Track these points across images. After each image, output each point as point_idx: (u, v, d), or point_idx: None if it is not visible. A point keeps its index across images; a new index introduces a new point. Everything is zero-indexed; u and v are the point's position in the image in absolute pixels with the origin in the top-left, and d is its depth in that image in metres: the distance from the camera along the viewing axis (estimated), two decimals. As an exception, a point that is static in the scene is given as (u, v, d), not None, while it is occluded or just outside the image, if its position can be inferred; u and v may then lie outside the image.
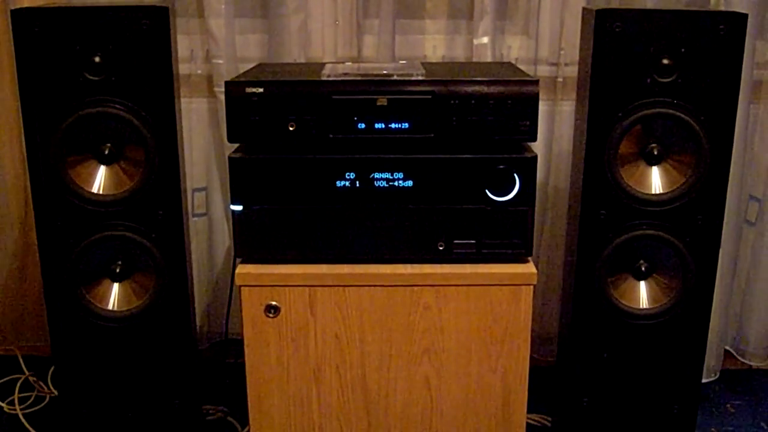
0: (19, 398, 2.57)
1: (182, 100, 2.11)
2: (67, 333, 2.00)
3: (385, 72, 1.95)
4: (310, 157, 1.82)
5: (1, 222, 2.68)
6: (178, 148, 1.92)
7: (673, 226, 1.93)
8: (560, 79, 2.49)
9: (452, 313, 1.85)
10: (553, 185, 2.56)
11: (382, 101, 1.80)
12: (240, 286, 1.83)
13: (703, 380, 2.55)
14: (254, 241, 1.85)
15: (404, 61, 2.42)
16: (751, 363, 2.78)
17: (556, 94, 2.50)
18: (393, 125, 1.81)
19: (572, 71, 2.37)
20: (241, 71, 2.15)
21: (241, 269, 1.84)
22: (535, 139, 1.82)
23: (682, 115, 1.86)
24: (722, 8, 2.33)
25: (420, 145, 1.82)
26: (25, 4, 1.94)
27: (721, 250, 1.99)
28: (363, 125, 1.81)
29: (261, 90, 1.79)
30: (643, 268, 1.97)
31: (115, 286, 1.98)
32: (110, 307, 1.98)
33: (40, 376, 2.65)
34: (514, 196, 1.82)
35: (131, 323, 1.98)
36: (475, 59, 2.46)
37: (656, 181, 1.92)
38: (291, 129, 1.80)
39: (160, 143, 1.88)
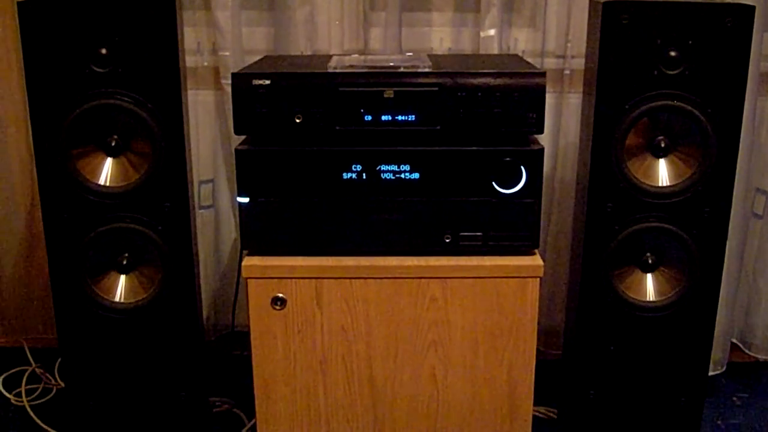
0: (26, 390, 2.58)
1: (189, 92, 2.11)
2: (74, 325, 2.00)
3: (391, 64, 1.95)
4: (317, 149, 1.82)
5: (8, 214, 2.69)
6: (184, 140, 1.93)
7: (680, 218, 1.92)
8: (567, 72, 2.48)
9: (458, 306, 1.85)
10: (560, 177, 2.56)
11: (389, 93, 1.80)
12: (246, 278, 1.83)
13: (710, 373, 2.55)
14: (261, 233, 1.86)
15: (411, 54, 2.42)
16: (758, 356, 2.77)
17: (563, 87, 2.49)
18: (400, 117, 1.80)
19: (579, 63, 2.36)
20: (248, 63, 2.15)
21: (248, 261, 1.85)
22: (541, 132, 1.82)
23: (690, 108, 1.86)
24: (729, 0, 2.32)
25: (426, 137, 1.82)
26: (32, -4, 1.94)
27: (727, 243, 1.99)
28: (370, 117, 1.81)
29: (268, 82, 1.79)
30: (649, 261, 1.97)
31: (122, 278, 1.98)
32: (117, 299, 1.98)
33: (47, 368, 2.66)
34: (521, 189, 1.82)
35: (138, 315, 1.99)
36: (481, 51, 2.45)
37: (663, 173, 1.92)
38: (298, 121, 1.80)
39: (167, 135, 1.88)
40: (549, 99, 2.06)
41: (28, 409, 2.49)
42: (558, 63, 2.49)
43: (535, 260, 1.85)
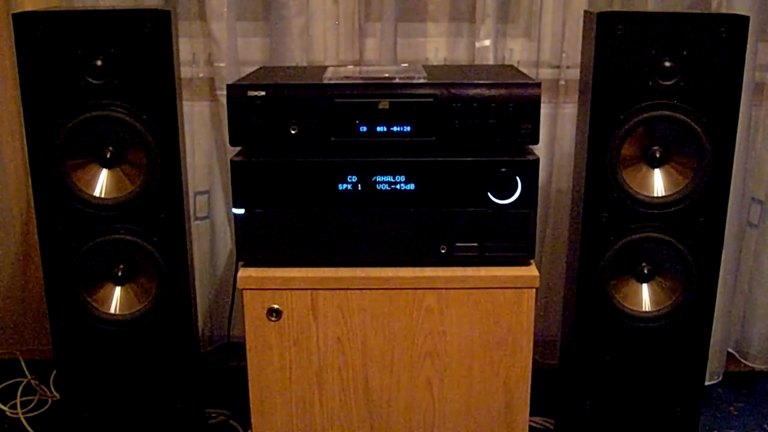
0: (21, 402, 2.57)
1: (184, 103, 2.11)
2: (69, 336, 2.00)
3: (386, 75, 1.95)
4: (312, 161, 1.82)
5: (3, 226, 2.68)
6: (180, 152, 1.92)
7: (676, 228, 1.93)
8: (562, 82, 2.48)
9: (454, 316, 1.85)
10: (556, 188, 2.56)
11: (384, 104, 1.80)
12: (242, 289, 1.83)
13: (706, 383, 2.55)
14: (256, 244, 1.85)
15: (406, 64, 2.42)
16: (754, 365, 2.78)
17: (558, 97, 2.50)
18: (395, 128, 1.80)
19: (574, 74, 2.37)
20: (243, 74, 2.15)
21: (243, 273, 1.84)
22: (537, 142, 1.82)
23: (684, 118, 1.86)
24: (724, 10, 2.33)
25: (422, 148, 1.82)
26: (27, 8, 1.94)
27: (723, 253, 1.99)
28: (365, 128, 1.81)
29: (263, 93, 1.79)
30: (645, 271, 1.97)
31: (117, 289, 1.98)
32: (112, 310, 1.98)
33: (42, 380, 2.65)
34: (516, 199, 1.82)
35: (133, 327, 1.98)
36: (477, 62, 2.46)
37: (658, 183, 1.92)
38: (293, 132, 1.80)
39: (162, 146, 1.88)
40: (544, 109, 2.07)
41: (24, 422, 2.48)
42: (553, 73, 2.49)
43: (531, 271, 1.85)
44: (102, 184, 1.90)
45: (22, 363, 2.71)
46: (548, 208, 2.57)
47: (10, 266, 2.73)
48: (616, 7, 2.43)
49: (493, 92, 1.79)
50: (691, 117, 1.86)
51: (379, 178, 1.82)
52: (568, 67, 2.47)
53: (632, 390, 2.07)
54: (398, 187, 1.82)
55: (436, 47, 2.55)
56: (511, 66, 2.42)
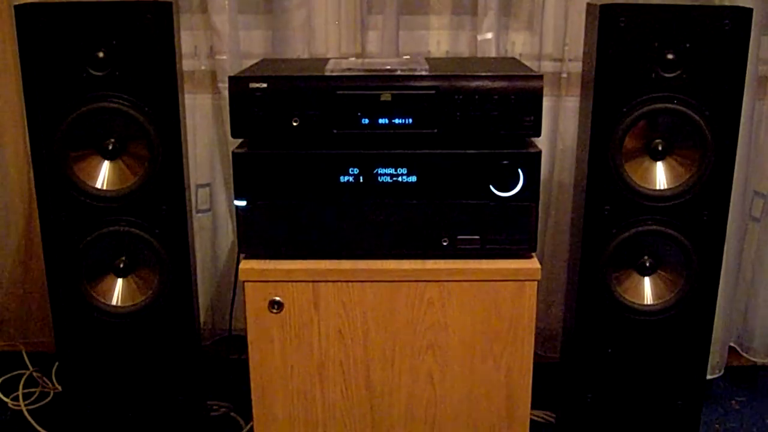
0: (23, 394, 2.58)
1: (186, 95, 2.11)
2: (71, 329, 2.00)
3: (388, 67, 1.95)
4: (314, 153, 1.82)
5: (5, 218, 2.68)
6: (181, 144, 1.92)
7: (678, 221, 1.92)
8: (564, 75, 2.48)
9: (456, 309, 1.85)
10: (558, 180, 2.55)
11: (386, 96, 1.80)
12: (243, 281, 1.83)
13: (708, 376, 2.54)
14: (258, 236, 1.85)
15: (408, 57, 2.42)
16: (756, 359, 2.77)
17: (560, 90, 2.49)
18: (397, 120, 1.80)
19: (576, 67, 2.36)
20: (245, 67, 2.15)
21: (245, 265, 1.84)
22: (539, 135, 1.82)
23: (687, 111, 1.86)
24: (727, 3, 2.32)
25: (424, 140, 1.82)
26: (29, 0, 1.94)
27: (725, 246, 1.99)
28: (367, 120, 1.80)
29: (265, 85, 1.79)
30: (647, 264, 1.97)
31: (119, 281, 1.98)
32: (114, 302, 1.98)
33: (44, 372, 2.65)
34: (518, 192, 1.82)
35: (135, 319, 1.98)
36: (479, 55, 2.45)
37: (661, 176, 1.92)
38: (295, 124, 1.80)
39: (164, 139, 1.88)
40: (546, 102, 2.06)
41: (26, 413, 2.49)
42: (555, 66, 2.49)
43: (533, 263, 1.85)
44: (104, 175, 1.90)
45: (24, 355, 2.72)
46: (550, 200, 2.57)
47: (12, 258, 2.73)
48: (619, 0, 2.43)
49: (495, 84, 1.79)
50: (693, 110, 1.86)
51: (380, 171, 1.82)
52: (570, 60, 2.46)
53: (634, 383, 2.07)
54: (400, 179, 1.82)
55: (438, 40, 2.54)
56: (513, 58, 2.41)
